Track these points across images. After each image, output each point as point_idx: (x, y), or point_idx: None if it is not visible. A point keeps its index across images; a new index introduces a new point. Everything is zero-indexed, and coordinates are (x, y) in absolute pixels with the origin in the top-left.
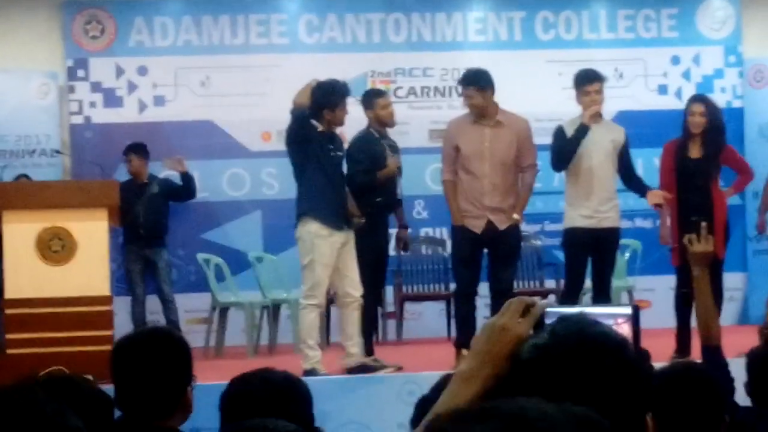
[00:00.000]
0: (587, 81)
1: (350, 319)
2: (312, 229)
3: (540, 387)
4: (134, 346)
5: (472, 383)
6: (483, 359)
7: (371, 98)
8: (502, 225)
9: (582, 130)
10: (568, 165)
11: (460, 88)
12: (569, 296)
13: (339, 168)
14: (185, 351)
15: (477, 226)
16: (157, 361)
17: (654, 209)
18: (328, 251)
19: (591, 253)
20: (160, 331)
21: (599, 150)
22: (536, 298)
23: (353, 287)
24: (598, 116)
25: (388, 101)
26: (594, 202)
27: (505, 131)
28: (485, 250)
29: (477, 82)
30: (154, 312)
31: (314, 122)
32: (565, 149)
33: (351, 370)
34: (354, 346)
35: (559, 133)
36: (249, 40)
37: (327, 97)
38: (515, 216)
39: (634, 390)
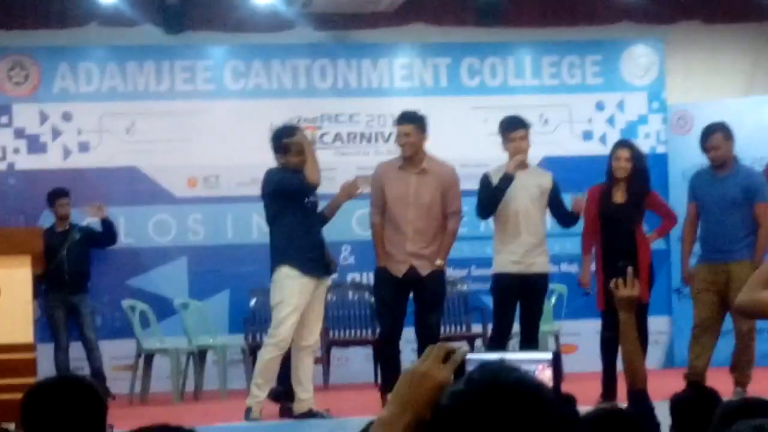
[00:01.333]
0: (512, 128)
1: (302, 365)
2: (283, 272)
3: None
4: (44, 394)
5: (392, 430)
6: (404, 405)
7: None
8: (424, 271)
9: (506, 179)
10: (492, 213)
11: (393, 128)
12: (497, 341)
13: (314, 215)
14: (97, 399)
15: (399, 270)
16: (66, 409)
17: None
18: (297, 291)
19: (519, 299)
20: (71, 378)
21: (526, 196)
22: (458, 344)
23: (310, 334)
24: (523, 164)
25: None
26: (522, 247)
27: (431, 178)
28: (410, 295)
29: (416, 120)
30: (78, 359)
31: (294, 171)
32: (490, 198)
33: (299, 416)
34: (304, 392)
35: (485, 180)
36: (174, 86)
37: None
38: (438, 262)
39: None
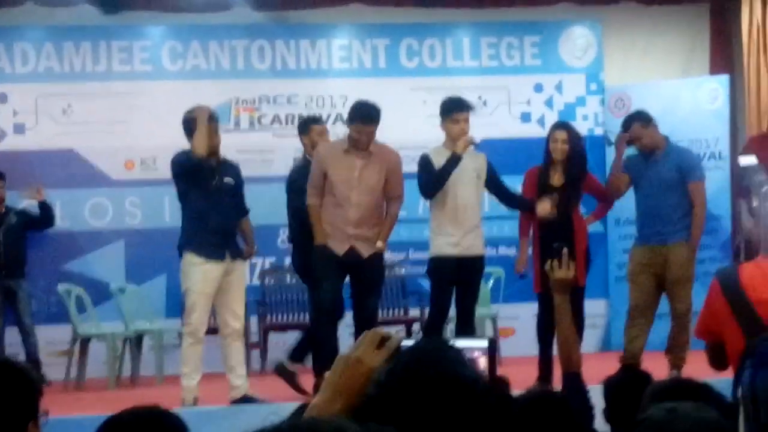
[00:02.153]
0: (457, 109)
1: (230, 351)
2: (187, 258)
3: (387, 421)
4: None
5: (325, 415)
6: (336, 392)
7: (307, 125)
8: (365, 252)
9: (454, 160)
10: (436, 193)
11: (350, 123)
12: (434, 325)
13: (223, 197)
14: (29, 384)
15: (340, 248)
16: None
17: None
18: (201, 278)
19: (456, 282)
20: (2, 362)
21: (464, 179)
22: (395, 330)
23: (233, 317)
24: (470, 145)
25: (323, 128)
26: (460, 230)
27: (376, 162)
28: (347, 279)
29: (379, 119)
30: (14, 344)
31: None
32: (437, 179)
33: (234, 402)
34: (237, 378)
35: (425, 161)
36: (111, 67)
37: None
38: (379, 244)
39: (481, 419)
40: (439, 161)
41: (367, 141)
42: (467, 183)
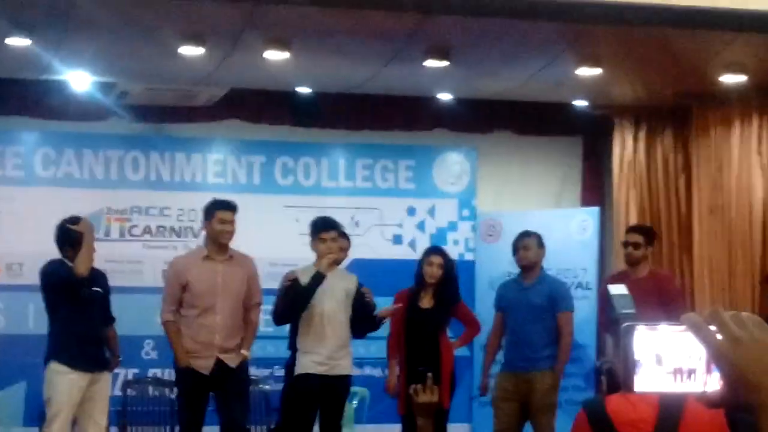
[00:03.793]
0: (323, 228)
1: None
2: (52, 368)
3: None
4: None
5: None
6: None
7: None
8: (233, 363)
9: (318, 278)
10: (298, 316)
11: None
12: None
13: (92, 307)
14: None
15: (205, 367)
16: None
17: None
18: (66, 388)
19: (320, 401)
20: None
21: (332, 298)
22: None
23: (95, 428)
24: (334, 264)
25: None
26: (327, 349)
27: (237, 267)
28: (211, 394)
29: (236, 209)
30: None
31: (67, 263)
32: (299, 297)
33: None
34: None
35: (291, 280)
36: None
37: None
38: (244, 353)
39: None
40: (305, 280)
41: (228, 231)
42: (335, 302)
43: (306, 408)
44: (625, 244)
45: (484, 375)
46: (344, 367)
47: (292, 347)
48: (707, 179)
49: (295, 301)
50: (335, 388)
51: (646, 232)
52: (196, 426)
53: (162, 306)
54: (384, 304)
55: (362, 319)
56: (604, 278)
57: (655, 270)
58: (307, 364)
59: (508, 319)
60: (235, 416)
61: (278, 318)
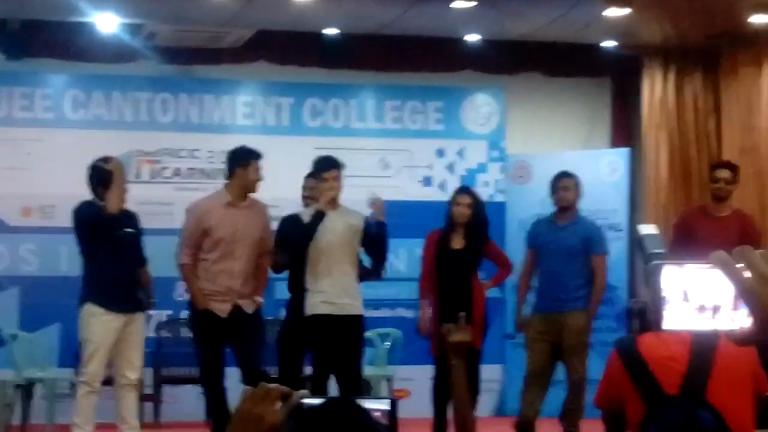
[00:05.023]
0: (324, 168)
1: (123, 402)
2: (87, 309)
3: None
4: None
5: None
6: None
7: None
8: (249, 309)
9: (318, 216)
10: (301, 255)
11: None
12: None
13: (126, 248)
14: None
15: (223, 310)
16: None
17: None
18: (101, 329)
19: (335, 340)
20: None
21: (332, 233)
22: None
23: (130, 369)
24: (334, 202)
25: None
26: (334, 286)
27: (255, 214)
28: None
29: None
30: None
31: (98, 203)
32: (302, 235)
33: None
34: (129, 429)
35: (292, 219)
36: (12, 113)
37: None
38: (258, 299)
39: None
40: (307, 220)
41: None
42: (338, 239)
43: (321, 348)
44: (715, 180)
45: (518, 312)
46: (355, 307)
47: (292, 289)
48: (738, 120)
49: (298, 239)
50: (346, 328)
51: (734, 168)
52: (217, 369)
53: (180, 249)
54: (414, 246)
55: (376, 248)
56: (680, 212)
57: (739, 210)
58: (316, 304)
59: (541, 259)
60: (252, 358)
61: (279, 261)
